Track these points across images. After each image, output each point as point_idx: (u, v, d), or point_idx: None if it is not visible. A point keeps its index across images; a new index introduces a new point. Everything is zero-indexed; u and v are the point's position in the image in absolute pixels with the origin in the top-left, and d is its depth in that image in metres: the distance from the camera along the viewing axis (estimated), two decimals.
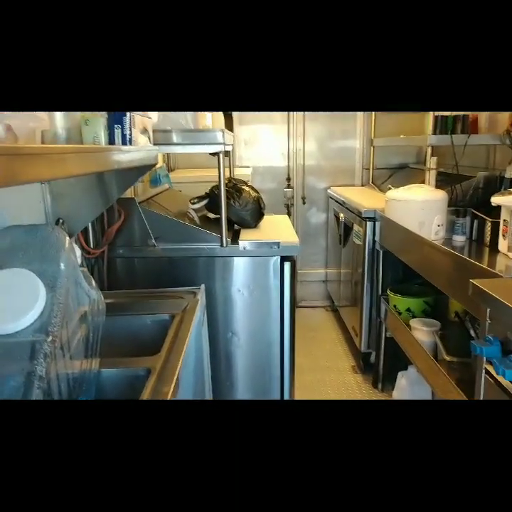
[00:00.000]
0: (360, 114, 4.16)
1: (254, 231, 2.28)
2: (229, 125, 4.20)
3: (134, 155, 1.45)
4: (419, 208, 2.34)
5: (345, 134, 4.20)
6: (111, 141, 1.41)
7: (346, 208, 3.42)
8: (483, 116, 2.79)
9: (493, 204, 1.83)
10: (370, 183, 4.14)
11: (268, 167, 4.23)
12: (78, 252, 1.41)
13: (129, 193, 2.36)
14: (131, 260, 2.09)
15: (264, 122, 4.20)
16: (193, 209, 2.38)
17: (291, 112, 4.16)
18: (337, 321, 4.04)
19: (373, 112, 4.06)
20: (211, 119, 2.30)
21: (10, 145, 0.81)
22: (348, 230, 3.39)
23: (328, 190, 4.16)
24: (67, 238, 0.94)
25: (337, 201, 3.77)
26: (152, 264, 2.09)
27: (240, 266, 2.07)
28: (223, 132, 1.86)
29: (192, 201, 2.38)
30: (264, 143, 4.23)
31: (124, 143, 1.42)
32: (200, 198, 2.41)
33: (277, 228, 2.39)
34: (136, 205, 2.02)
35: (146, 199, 2.26)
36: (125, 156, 1.37)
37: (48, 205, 1.77)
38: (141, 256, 2.08)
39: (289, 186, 4.24)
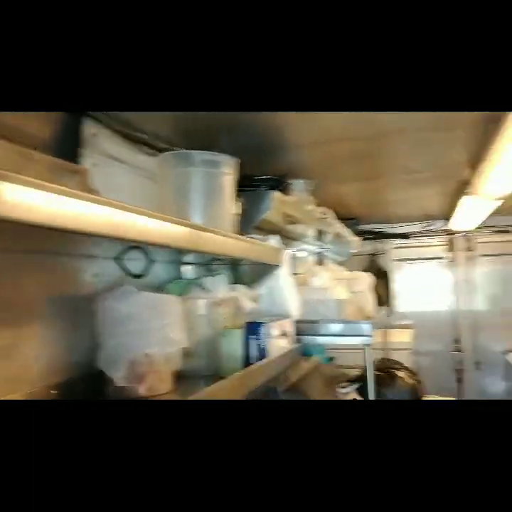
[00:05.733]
0: None
1: None
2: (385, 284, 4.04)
3: (272, 366, 1.40)
4: None
5: None
6: (247, 351, 1.38)
7: None
8: None
9: None
10: None
11: (431, 317, 3.88)
12: None
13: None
14: None
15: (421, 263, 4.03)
16: (342, 393, 2.21)
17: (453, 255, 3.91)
18: None
19: None
20: (362, 301, 2.21)
21: None
22: None
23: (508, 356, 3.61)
24: None
25: None
26: None
27: None
28: (371, 325, 1.74)
29: (341, 386, 2.22)
30: (424, 289, 4.02)
31: (260, 353, 1.38)
32: (351, 382, 2.24)
33: None
34: (277, 395, 1.93)
35: (293, 383, 2.16)
36: (264, 373, 1.33)
37: None
38: None
39: (457, 349, 3.79)
